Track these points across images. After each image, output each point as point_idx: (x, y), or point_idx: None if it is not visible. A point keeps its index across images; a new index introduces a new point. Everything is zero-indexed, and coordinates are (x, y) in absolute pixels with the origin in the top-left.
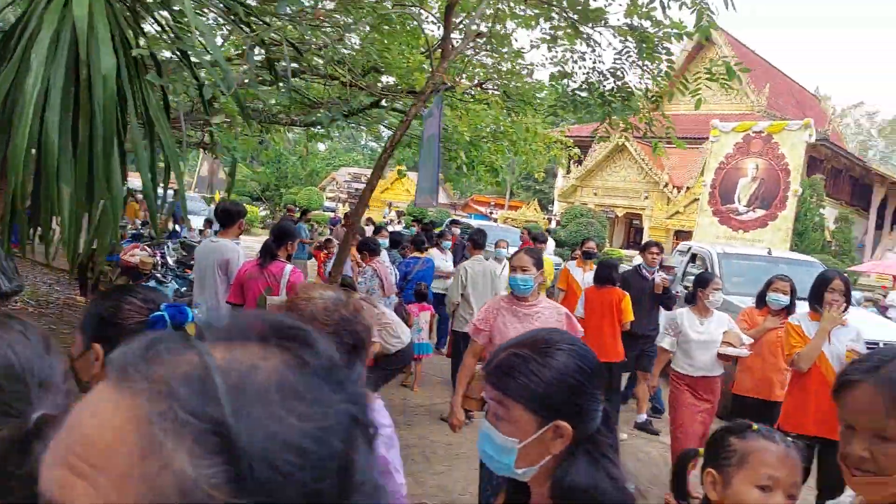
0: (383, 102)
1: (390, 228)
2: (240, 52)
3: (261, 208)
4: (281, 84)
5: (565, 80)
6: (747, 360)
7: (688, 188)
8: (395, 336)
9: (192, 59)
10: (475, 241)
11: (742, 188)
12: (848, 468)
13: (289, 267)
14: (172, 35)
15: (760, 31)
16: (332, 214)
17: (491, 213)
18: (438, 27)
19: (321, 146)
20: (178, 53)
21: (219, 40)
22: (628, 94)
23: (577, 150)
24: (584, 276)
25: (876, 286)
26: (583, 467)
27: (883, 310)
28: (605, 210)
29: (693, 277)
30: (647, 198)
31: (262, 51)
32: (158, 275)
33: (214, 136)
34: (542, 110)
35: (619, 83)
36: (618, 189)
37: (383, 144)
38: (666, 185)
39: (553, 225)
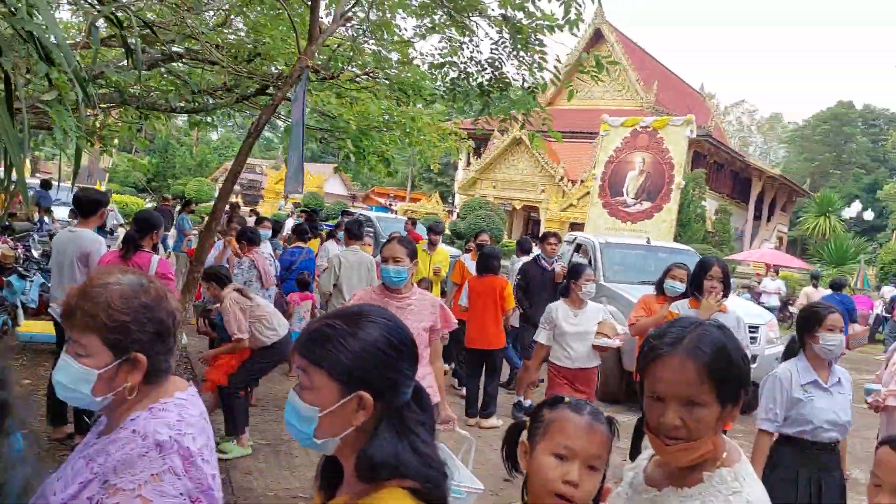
0: (270, 90)
1: (290, 221)
2: (111, 35)
3: (147, 200)
4: (161, 68)
5: (444, 70)
6: None
7: (582, 181)
8: (271, 328)
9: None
10: (350, 231)
11: (630, 181)
12: (660, 439)
13: (156, 257)
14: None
15: (649, 28)
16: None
17: (390, 204)
18: (327, 13)
19: (213, 135)
20: (24, 34)
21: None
22: (506, 85)
23: (471, 143)
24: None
25: (752, 274)
26: (386, 441)
27: (757, 296)
28: (504, 203)
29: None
30: (543, 191)
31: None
32: (20, 269)
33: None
34: (426, 99)
35: (496, 73)
36: (516, 182)
37: (279, 133)
38: (561, 179)
39: (454, 217)
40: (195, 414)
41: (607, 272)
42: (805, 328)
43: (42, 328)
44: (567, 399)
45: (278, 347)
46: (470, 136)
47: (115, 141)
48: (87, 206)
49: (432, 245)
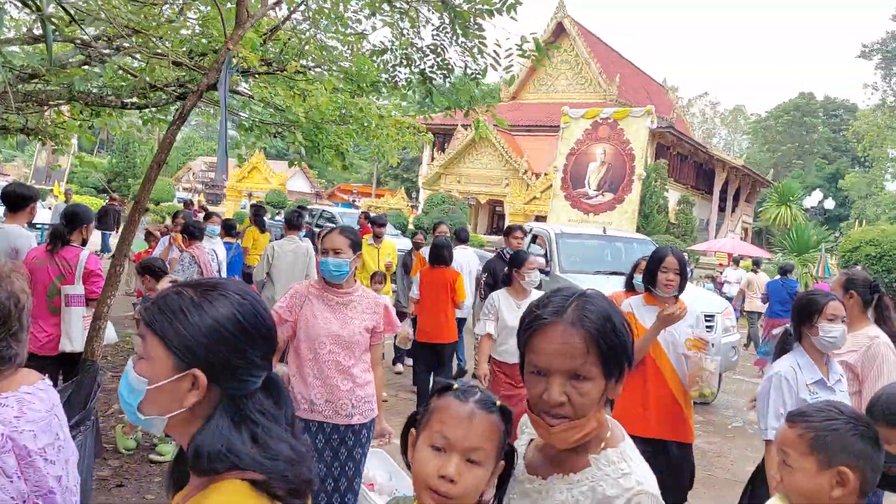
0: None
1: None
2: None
3: (106, 200)
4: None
5: (385, 57)
6: None
7: (545, 174)
8: None
9: None
10: (289, 221)
11: (591, 173)
12: (543, 419)
13: (85, 252)
14: None
15: (610, 20)
16: (193, 208)
17: (354, 201)
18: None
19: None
20: None
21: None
22: (449, 71)
23: (430, 136)
24: None
25: (715, 264)
26: (218, 429)
27: (719, 286)
28: (468, 197)
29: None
30: (507, 185)
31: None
32: None
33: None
34: (366, 88)
35: (438, 59)
36: (480, 176)
37: (257, 135)
38: (525, 172)
39: (420, 212)
40: (41, 410)
41: (563, 262)
42: (802, 319)
43: None
44: (457, 385)
45: None
46: (429, 131)
47: (75, 140)
48: (15, 201)
49: (377, 238)
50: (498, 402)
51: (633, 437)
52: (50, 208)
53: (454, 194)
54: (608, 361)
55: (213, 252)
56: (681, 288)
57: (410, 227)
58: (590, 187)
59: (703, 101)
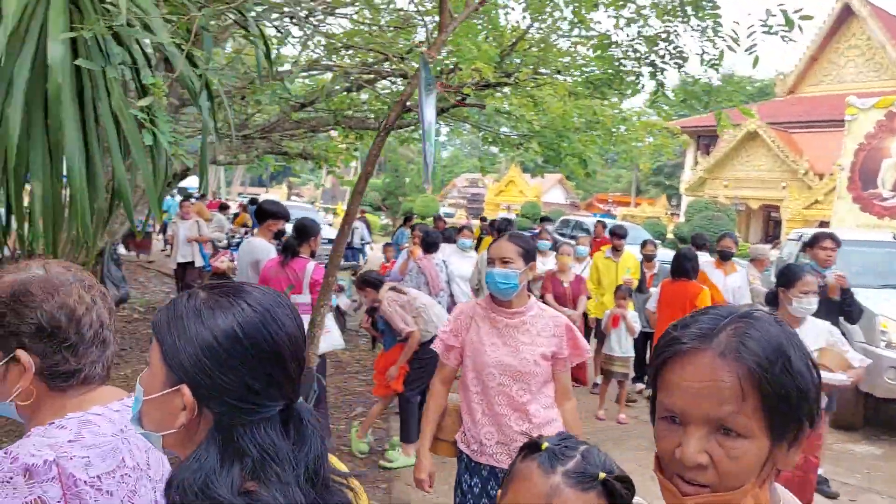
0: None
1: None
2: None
3: (381, 217)
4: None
5: (608, 52)
6: None
7: (829, 175)
8: (429, 320)
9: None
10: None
11: (886, 170)
12: (674, 484)
13: (311, 264)
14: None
15: None
16: (463, 221)
17: (610, 210)
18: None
19: (443, 153)
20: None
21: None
22: (683, 60)
23: (686, 138)
24: (725, 280)
25: None
26: (199, 460)
27: None
28: (737, 202)
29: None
30: (785, 187)
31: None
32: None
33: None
34: (595, 84)
35: (670, 48)
36: (751, 179)
37: (501, 148)
38: (806, 173)
39: (682, 219)
40: (105, 433)
41: None
42: None
43: None
44: (546, 445)
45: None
46: (691, 133)
47: (353, 163)
48: (259, 216)
49: (616, 251)
50: (602, 475)
51: None
52: (330, 225)
53: (720, 200)
54: (776, 414)
55: (443, 263)
56: None
57: (670, 236)
58: (884, 187)
59: None
